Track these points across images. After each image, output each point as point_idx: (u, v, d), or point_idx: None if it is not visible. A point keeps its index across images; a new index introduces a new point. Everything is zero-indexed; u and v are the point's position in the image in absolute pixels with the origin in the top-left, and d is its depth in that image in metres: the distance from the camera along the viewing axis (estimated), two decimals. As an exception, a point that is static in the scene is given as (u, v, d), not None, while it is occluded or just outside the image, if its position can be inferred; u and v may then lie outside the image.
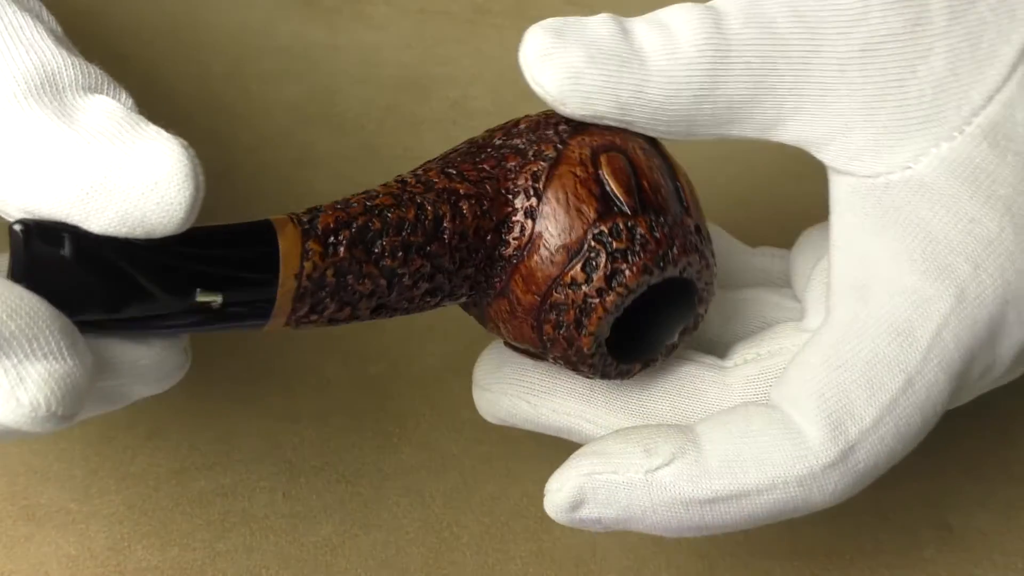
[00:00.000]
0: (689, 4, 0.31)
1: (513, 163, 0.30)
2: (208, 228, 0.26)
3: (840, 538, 0.40)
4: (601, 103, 0.30)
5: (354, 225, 0.28)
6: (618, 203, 0.29)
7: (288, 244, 0.26)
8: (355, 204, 0.28)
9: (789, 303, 0.35)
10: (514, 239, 0.30)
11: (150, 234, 0.25)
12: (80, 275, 0.25)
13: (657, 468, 0.30)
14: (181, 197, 0.24)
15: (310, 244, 0.27)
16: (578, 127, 0.31)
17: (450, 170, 0.30)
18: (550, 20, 0.30)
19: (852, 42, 0.30)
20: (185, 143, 0.25)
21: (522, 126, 0.31)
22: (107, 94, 0.27)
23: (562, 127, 0.31)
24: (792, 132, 0.31)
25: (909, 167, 0.30)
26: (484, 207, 0.29)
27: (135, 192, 0.24)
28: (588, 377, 0.32)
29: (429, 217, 0.29)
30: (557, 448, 0.33)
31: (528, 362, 0.33)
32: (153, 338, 0.27)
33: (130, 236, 0.25)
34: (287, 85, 0.44)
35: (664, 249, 0.30)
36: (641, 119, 0.30)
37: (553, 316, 0.30)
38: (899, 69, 0.30)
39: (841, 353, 0.30)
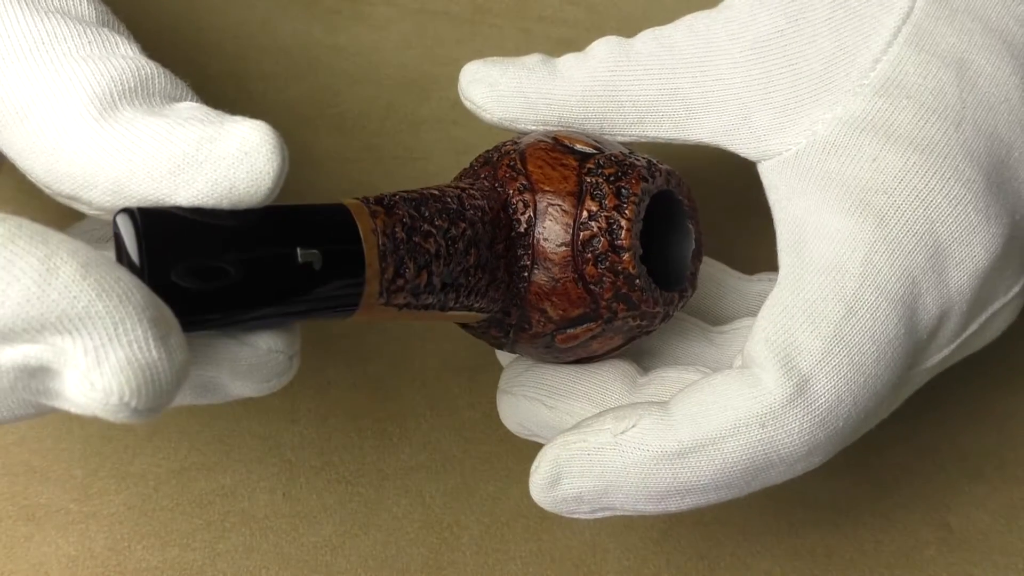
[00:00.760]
0: (608, 37, 0.36)
1: (487, 168, 0.33)
2: (279, 205, 0.27)
3: (840, 538, 0.40)
4: (514, 104, 0.35)
5: (398, 194, 0.30)
6: (587, 150, 0.33)
7: (355, 206, 0.28)
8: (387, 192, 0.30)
9: None
10: (522, 215, 0.32)
11: (236, 204, 0.25)
12: (194, 252, 0.25)
13: (624, 431, 0.31)
14: (270, 167, 0.25)
15: (373, 207, 0.29)
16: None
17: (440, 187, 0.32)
18: (486, 58, 0.36)
19: (743, 43, 0.35)
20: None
21: (475, 163, 0.34)
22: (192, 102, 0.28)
23: (508, 142, 0.34)
24: (705, 127, 0.35)
25: (812, 133, 0.34)
26: (486, 194, 0.32)
27: (225, 163, 0.25)
28: (649, 322, 0.33)
29: (452, 197, 0.31)
30: (557, 448, 0.33)
31: (549, 368, 0.34)
32: (259, 338, 0.27)
33: (216, 207, 0.25)
34: (287, 85, 0.44)
35: (645, 163, 0.33)
36: (551, 118, 0.35)
37: (589, 253, 0.32)
38: (788, 57, 0.34)
39: (782, 300, 0.32)
